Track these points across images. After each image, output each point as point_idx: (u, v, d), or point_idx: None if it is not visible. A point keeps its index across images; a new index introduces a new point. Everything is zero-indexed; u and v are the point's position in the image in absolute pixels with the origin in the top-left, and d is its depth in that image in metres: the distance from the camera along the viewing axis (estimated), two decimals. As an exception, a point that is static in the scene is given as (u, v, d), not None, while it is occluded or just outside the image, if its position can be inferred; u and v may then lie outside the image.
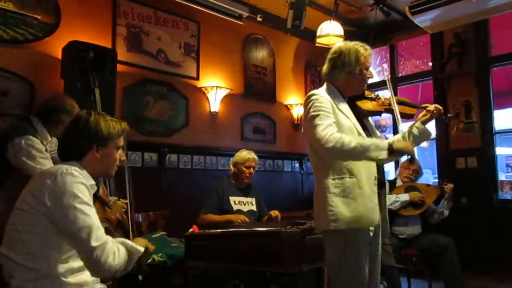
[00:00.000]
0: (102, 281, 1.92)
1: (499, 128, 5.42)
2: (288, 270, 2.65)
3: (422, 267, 4.18)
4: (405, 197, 4.14)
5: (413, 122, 2.51)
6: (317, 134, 2.16)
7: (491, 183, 5.24)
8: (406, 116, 2.56)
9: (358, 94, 2.48)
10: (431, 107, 2.47)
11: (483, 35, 5.41)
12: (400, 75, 6.44)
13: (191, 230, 3.26)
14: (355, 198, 2.19)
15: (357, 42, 2.39)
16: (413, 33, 5.87)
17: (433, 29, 5.35)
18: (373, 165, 2.28)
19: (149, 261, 3.08)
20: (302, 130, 2.47)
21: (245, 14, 5.04)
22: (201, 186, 4.72)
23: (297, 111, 6.13)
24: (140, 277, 1.94)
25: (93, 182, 1.83)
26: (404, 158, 4.52)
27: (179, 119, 4.94)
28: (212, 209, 3.73)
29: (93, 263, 1.66)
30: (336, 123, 2.22)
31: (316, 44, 5.23)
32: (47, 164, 2.71)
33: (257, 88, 5.82)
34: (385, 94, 2.60)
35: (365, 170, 2.24)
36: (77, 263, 1.74)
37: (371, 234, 2.31)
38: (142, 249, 1.83)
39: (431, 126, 2.53)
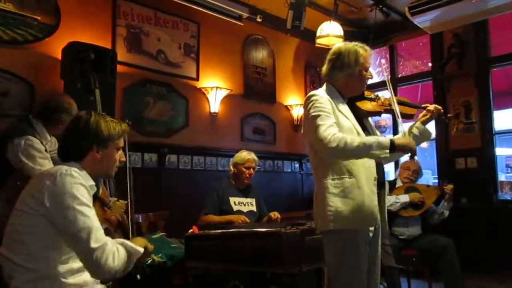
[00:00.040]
0: (102, 282, 1.91)
1: (498, 129, 5.43)
2: (288, 271, 2.65)
3: (422, 267, 4.18)
4: (405, 198, 4.14)
5: (413, 122, 2.51)
6: (320, 134, 2.15)
7: (491, 184, 5.24)
8: (406, 117, 2.56)
9: (358, 95, 2.48)
10: (431, 107, 2.47)
11: (483, 36, 5.41)
12: (399, 75, 6.44)
13: (191, 230, 3.26)
14: (354, 199, 2.19)
15: (356, 43, 2.39)
16: (413, 34, 5.87)
17: (433, 29, 5.35)
18: (372, 166, 2.28)
19: (149, 261, 3.08)
20: (302, 131, 2.46)
21: (245, 14, 5.04)
22: (201, 187, 4.72)
23: (297, 112, 6.13)
24: (138, 277, 1.94)
25: (92, 183, 1.83)
26: (404, 159, 4.52)
27: (179, 120, 4.95)
28: (212, 209, 3.73)
29: (93, 264, 1.65)
30: (336, 123, 2.22)
31: (316, 45, 5.23)
32: (47, 165, 2.71)
33: (257, 89, 5.82)
34: (385, 94, 2.60)
35: (365, 171, 2.24)
36: (77, 263, 1.74)
37: (371, 234, 2.32)
38: (141, 249, 1.83)
39: (431, 127, 2.53)
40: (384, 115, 2.70)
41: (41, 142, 2.80)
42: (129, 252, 1.77)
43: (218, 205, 3.77)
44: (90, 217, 1.67)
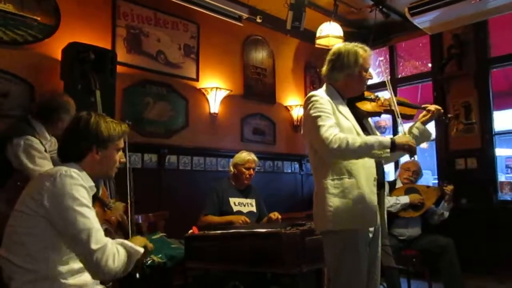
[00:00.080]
0: (101, 283, 1.92)
1: (498, 129, 5.43)
2: (288, 271, 2.65)
3: (422, 268, 4.18)
4: (405, 199, 4.14)
5: (413, 122, 2.51)
6: (321, 135, 2.15)
7: (491, 184, 5.24)
8: (406, 117, 2.56)
9: (357, 95, 2.48)
10: (431, 107, 2.48)
11: (483, 36, 5.41)
12: (399, 76, 6.45)
13: (191, 231, 3.26)
14: (354, 199, 2.19)
15: (356, 44, 2.39)
16: (413, 34, 5.87)
17: (433, 30, 5.36)
18: (372, 166, 2.28)
19: (149, 262, 3.09)
20: (301, 131, 2.46)
21: (245, 15, 5.04)
22: (201, 187, 4.72)
23: (297, 112, 6.13)
24: (137, 275, 1.94)
25: (92, 184, 1.83)
26: (404, 159, 4.52)
27: (178, 120, 4.95)
28: (212, 210, 3.73)
29: (93, 265, 1.65)
30: (336, 124, 2.23)
31: (316, 45, 5.24)
32: (46, 165, 2.71)
33: (256, 89, 5.83)
34: (385, 95, 2.61)
35: (365, 171, 2.24)
36: (77, 264, 1.73)
37: (371, 235, 2.32)
38: (141, 250, 1.83)
39: (431, 127, 2.53)
40: (384, 116, 2.71)
41: (41, 142, 2.80)
42: (129, 253, 1.77)
43: (218, 206, 3.76)
44: (90, 218, 1.67)
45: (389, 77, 2.63)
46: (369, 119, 2.57)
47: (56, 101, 2.97)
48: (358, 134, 2.27)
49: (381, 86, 5.76)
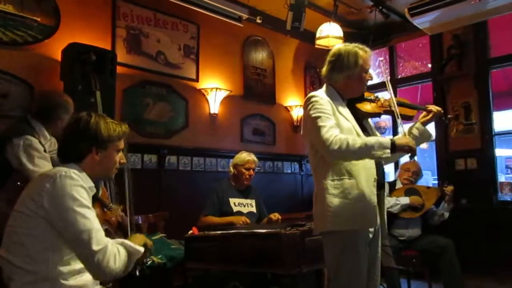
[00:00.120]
0: (101, 283, 1.91)
1: (498, 130, 5.43)
2: (288, 272, 2.65)
3: (422, 268, 4.18)
4: (405, 200, 4.15)
5: (414, 123, 2.51)
6: (322, 136, 2.15)
7: (491, 185, 5.24)
8: (405, 118, 2.56)
9: (357, 96, 2.48)
10: (431, 108, 2.48)
11: (482, 37, 5.42)
12: (399, 76, 6.45)
13: (191, 231, 3.26)
14: (354, 199, 2.19)
15: (356, 44, 2.39)
16: (412, 35, 5.87)
17: (432, 30, 5.36)
18: (372, 167, 2.28)
19: (149, 263, 3.08)
20: (301, 132, 2.46)
21: (245, 16, 5.04)
22: (200, 188, 4.72)
23: (297, 113, 6.13)
24: (137, 272, 1.94)
25: (92, 185, 1.82)
26: (404, 159, 4.53)
27: (178, 121, 4.95)
28: (212, 210, 3.73)
29: (94, 266, 1.65)
30: (336, 124, 2.23)
31: (316, 46, 5.24)
32: (45, 165, 2.71)
33: (256, 90, 5.83)
34: (385, 95, 2.61)
35: (365, 172, 2.24)
36: (77, 265, 1.73)
37: (371, 235, 2.32)
38: (141, 249, 1.83)
39: (431, 128, 2.54)
40: (384, 116, 2.70)
41: (40, 142, 2.80)
42: (129, 252, 1.77)
43: (218, 206, 3.76)
44: (90, 219, 1.67)
45: (389, 77, 2.63)
46: (369, 119, 2.57)
47: (54, 100, 2.97)
48: (358, 134, 2.27)
49: (381, 86, 5.77)
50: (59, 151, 1.89)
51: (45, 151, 2.81)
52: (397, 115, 2.42)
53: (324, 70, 2.43)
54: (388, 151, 2.12)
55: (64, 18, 4.02)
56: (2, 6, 3.65)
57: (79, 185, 1.69)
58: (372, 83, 5.61)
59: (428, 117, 2.47)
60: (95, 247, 1.62)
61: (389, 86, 2.54)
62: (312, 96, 2.31)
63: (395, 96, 2.64)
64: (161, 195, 4.61)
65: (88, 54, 3.59)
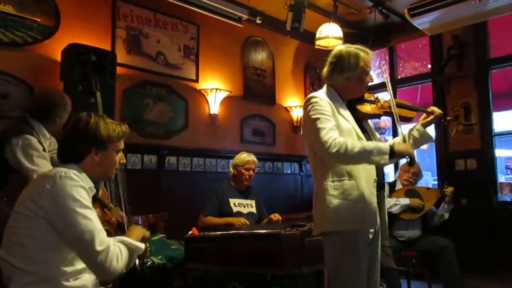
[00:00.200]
0: (101, 284, 1.91)
1: (498, 130, 5.43)
2: (288, 272, 2.65)
3: (422, 268, 4.19)
4: (405, 201, 4.15)
5: (414, 124, 2.52)
6: (321, 138, 2.16)
7: (491, 185, 5.24)
8: (405, 119, 2.57)
9: (358, 97, 2.48)
10: (431, 109, 2.48)
11: (482, 37, 5.42)
12: (399, 77, 6.45)
13: (190, 232, 3.26)
14: (354, 200, 2.19)
15: (358, 46, 2.39)
16: (412, 35, 5.87)
17: (432, 31, 5.36)
18: (372, 167, 2.29)
19: (149, 263, 3.08)
20: (301, 132, 2.46)
21: (245, 16, 5.05)
22: (200, 188, 4.72)
23: (297, 113, 6.13)
24: (137, 265, 1.94)
25: (92, 185, 1.82)
26: (404, 160, 4.52)
27: (178, 121, 4.95)
28: (212, 211, 3.73)
29: (97, 266, 1.65)
30: (336, 126, 2.23)
31: (316, 46, 5.24)
32: (44, 164, 2.71)
33: (256, 90, 5.83)
34: (385, 96, 2.61)
35: (365, 173, 2.24)
36: (76, 266, 1.73)
37: (371, 236, 2.32)
38: (142, 245, 1.84)
39: (431, 128, 2.54)
40: (383, 117, 2.70)
41: (40, 141, 2.80)
42: (131, 250, 1.77)
43: (217, 207, 3.77)
44: (92, 219, 1.66)
45: (389, 78, 2.63)
46: (369, 120, 2.57)
47: (53, 99, 2.97)
48: (358, 135, 2.28)
49: (381, 87, 5.78)
50: (59, 152, 1.89)
51: (44, 150, 2.81)
52: (397, 118, 2.43)
53: (324, 70, 2.43)
54: (387, 157, 2.14)
55: (64, 18, 4.02)
56: (2, 6, 3.65)
57: (79, 186, 1.68)
58: (372, 84, 5.63)
59: (428, 119, 2.48)
60: (98, 248, 1.62)
61: (389, 87, 2.54)
62: (312, 97, 2.31)
63: (395, 97, 2.64)
64: (161, 195, 4.61)
65: (88, 55, 3.60)
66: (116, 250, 1.69)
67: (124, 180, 3.11)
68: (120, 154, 1.94)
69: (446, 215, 4.28)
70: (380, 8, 5.37)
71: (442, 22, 5.10)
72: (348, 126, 2.28)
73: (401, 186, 4.39)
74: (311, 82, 6.57)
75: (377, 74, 6.48)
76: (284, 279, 3.14)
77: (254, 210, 3.93)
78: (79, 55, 3.60)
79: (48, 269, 1.65)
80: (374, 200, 2.25)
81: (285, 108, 6.19)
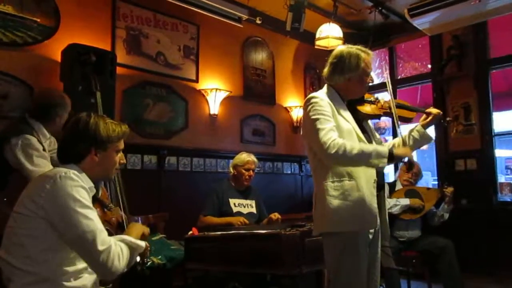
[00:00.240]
0: (101, 284, 1.91)
1: (498, 130, 5.43)
2: (288, 272, 2.65)
3: (422, 269, 4.19)
4: (405, 201, 4.15)
5: (414, 125, 2.52)
6: (320, 139, 2.16)
7: (491, 185, 5.24)
8: (405, 120, 2.57)
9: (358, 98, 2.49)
10: (431, 110, 2.49)
11: (482, 37, 5.42)
12: (399, 77, 6.44)
13: (190, 232, 3.26)
14: (354, 201, 2.19)
15: (359, 47, 2.39)
16: (412, 36, 5.88)
17: (432, 31, 5.36)
18: (372, 168, 2.28)
19: (149, 263, 3.08)
20: (301, 133, 2.46)
21: (244, 16, 5.05)
22: (200, 189, 4.72)
23: (297, 113, 6.13)
24: (138, 259, 1.94)
25: (92, 185, 1.82)
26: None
27: (178, 122, 4.95)
28: (212, 211, 3.73)
29: (99, 266, 1.66)
30: (335, 126, 2.23)
31: (315, 47, 5.24)
32: (44, 164, 2.71)
33: (256, 91, 5.83)
34: (385, 97, 2.61)
35: (365, 173, 2.24)
36: (78, 265, 1.73)
37: (371, 236, 2.32)
38: (143, 244, 1.84)
39: (431, 128, 2.54)
40: (383, 117, 2.71)
41: (40, 141, 2.80)
42: (131, 248, 1.78)
43: (217, 207, 3.77)
44: (93, 219, 1.66)
45: (389, 78, 2.63)
46: (369, 121, 2.57)
47: (52, 98, 2.97)
48: (358, 136, 2.28)
49: (380, 87, 5.78)
50: (59, 152, 1.88)
51: (44, 150, 2.81)
52: (396, 119, 2.43)
53: (325, 71, 2.43)
54: (385, 160, 2.14)
55: (64, 18, 4.02)
56: (1, 7, 3.65)
57: (79, 186, 1.68)
58: (372, 84, 5.63)
59: (428, 119, 2.48)
60: (100, 247, 1.63)
61: (390, 87, 2.54)
62: (312, 97, 2.31)
63: (395, 97, 2.64)
64: (161, 196, 4.61)
65: (88, 55, 3.60)
66: (118, 250, 1.69)
67: (117, 179, 3.11)
68: (120, 154, 1.94)
69: (446, 215, 4.28)
70: (380, 8, 5.37)
71: (442, 22, 5.10)
72: (348, 127, 2.28)
73: (401, 187, 4.39)
74: (311, 82, 6.57)
75: (377, 74, 6.48)
76: (284, 279, 3.14)
77: (254, 210, 3.93)
78: (79, 55, 3.60)
79: (48, 269, 1.65)
80: (374, 201, 2.25)
81: (285, 108, 6.19)
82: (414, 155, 2.31)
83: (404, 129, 2.55)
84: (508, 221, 4.97)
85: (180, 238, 3.38)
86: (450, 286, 3.97)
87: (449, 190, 4.19)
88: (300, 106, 5.96)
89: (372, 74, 2.48)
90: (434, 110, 2.49)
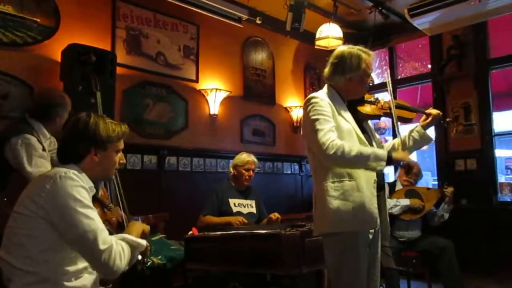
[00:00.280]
0: (102, 284, 1.91)
1: (498, 130, 5.43)
2: (288, 272, 2.65)
3: (422, 269, 4.19)
4: (405, 202, 4.15)
5: (414, 125, 2.52)
6: (318, 139, 2.16)
7: (491, 185, 5.25)
8: (405, 120, 2.57)
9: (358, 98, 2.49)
10: (431, 111, 2.49)
11: (482, 37, 5.42)
12: (399, 77, 6.45)
13: (190, 232, 3.26)
14: (354, 201, 2.19)
15: (360, 47, 2.39)
16: (412, 36, 5.88)
17: (432, 31, 5.36)
18: (372, 169, 2.29)
19: (149, 263, 3.08)
20: (301, 133, 2.46)
21: (244, 16, 5.05)
22: (200, 189, 4.72)
23: (297, 113, 6.13)
24: (139, 257, 1.93)
25: (92, 185, 1.82)
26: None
27: (178, 122, 4.95)
28: (211, 210, 3.74)
29: (101, 266, 1.66)
30: (335, 126, 2.23)
31: (315, 47, 5.24)
32: (43, 164, 2.71)
33: (256, 91, 5.83)
34: (385, 97, 2.61)
35: (365, 173, 2.24)
36: (79, 265, 1.73)
37: (371, 236, 2.32)
38: (144, 242, 1.85)
39: (431, 128, 2.55)
40: (383, 117, 2.71)
41: (40, 141, 2.80)
42: (132, 247, 1.78)
43: (217, 206, 3.77)
44: (94, 219, 1.66)
45: (390, 79, 2.63)
46: (369, 121, 2.57)
47: (52, 98, 2.97)
48: (358, 136, 2.28)
49: (380, 87, 5.78)
50: (58, 152, 1.88)
51: (44, 149, 2.81)
52: (396, 120, 2.43)
53: (326, 71, 2.42)
54: (384, 163, 2.15)
55: (64, 19, 4.02)
56: (1, 7, 3.65)
57: (79, 186, 1.68)
58: (372, 84, 5.63)
59: (428, 120, 2.48)
60: (101, 247, 1.63)
61: (390, 88, 2.55)
62: (313, 97, 2.31)
63: (395, 97, 2.64)
64: (161, 196, 4.61)
65: (88, 55, 3.60)
66: (119, 249, 1.69)
67: (115, 179, 3.11)
68: (120, 154, 1.94)
69: (446, 215, 4.28)
70: (380, 8, 5.37)
71: (442, 22, 5.10)
72: (348, 127, 2.28)
73: (401, 187, 4.39)
74: (311, 82, 6.57)
75: (377, 75, 6.48)
76: (284, 279, 3.14)
77: (254, 210, 3.93)
78: (79, 55, 3.60)
79: (48, 269, 1.65)
80: (374, 201, 2.25)
81: (285, 108, 6.19)
82: (414, 156, 2.31)
83: (404, 130, 2.55)
84: (508, 221, 4.97)
85: (180, 238, 3.38)
86: (450, 286, 3.97)
87: (449, 190, 4.19)
88: (300, 106, 5.96)
89: (372, 74, 2.48)
90: (434, 111, 2.49)
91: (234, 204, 3.84)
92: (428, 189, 4.43)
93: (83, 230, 1.62)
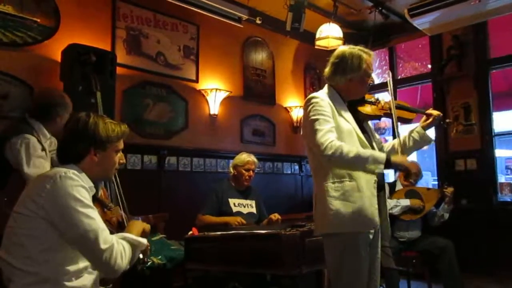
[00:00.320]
0: (102, 284, 1.91)
1: (498, 130, 5.43)
2: (288, 273, 2.65)
3: (422, 269, 4.19)
4: (405, 202, 4.15)
5: (415, 126, 2.53)
6: (317, 140, 2.16)
7: (491, 185, 5.25)
8: (405, 121, 2.57)
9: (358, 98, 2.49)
10: (431, 111, 2.49)
11: (482, 37, 5.42)
12: (399, 77, 6.44)
13: (190, 232, 3.26)
14: (355, 202, 2.19)
15: (361, 48, 2.39)
16: (412, 36, 5.88)
17: (432, 31, 5.36)
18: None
19: (149, 263, 3.08)
20: (301, 133, 2.46)
21: (244, 16, 5.05)
22: (200, 189, 4.72)
23: (297, 113, 6.13)
24: (141, 256, 1.93)
25: (91, 185, 1.82)
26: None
27: (178, 122, 4.94)
28: (211, 210, 3.74)
29: (102, 265, 1.66)
30: (335, 126, 2.23)
31: (316, 47, 5.24)
32: (43, 164, 2.71)
33: (256, 91, 5.83)
34: (385, 97, 2.61)
35: (365, 174, 2.24)
36: (79, 264, 1.73)
37: (371, 236, 2.32)
38: (145, 241, 1.84)
39: (431, 129, 2.55)
40: (383, 117, 2.71)
41: (40, 141, 2.80)
42: (133, 246, 1.78)
43: (216, 206, 3.77)
44: (95, 219, 1.66)
45: (390, 79, 2.63)
46: (369, 121, 2.57)
47: (52, 98, 2.97)
48: (358, 136, 2.28)
49: (380, 87, 5.78)
50: (58, 152, 1.88)
51: (44, 150, 2.80)
52: (396, 121, 2.43)
53: (326, 71, 2.42)
54: (382, 166, 2.15)
55: (64, 19, 4.02)
56: (1, 7, 3.65)
57: (79, 185, 1.68)
58: (372, 84, 5.62)
59: (428, 121, 2.48)
60: (102, 246, 1.63)
61: (391, 88, 2.54)
62: (313, 97, 2.31)
63: (395, 97, 2.64)
64: (161, 196, 4.61)
65: (88, 55, 3.60)
66: (120, 248, 1.69)
67: (115, 179, 3.11)
68: (120, 154, 1.94)
69: (446, 216, 4.28)
70: (380, 8, 5.37)
71: (442, 22, 5.10)
72: (348, 127, 2.28)
73: (401, 187, 4.39)
74: (311, 82, 6.57)
75: (377, 75, 6.48)
76: (284, 279, 3.14)
77: (254, 210, 3.93)
78: (79, 56, 3.60)
79: (48, 269, 1.65)
80: (374, 201, 2.25)
81: (285, 108, 6.19)
82: (414, 156, 2.31)
83: (404, 130, 2.55)
84: (508, 221, 4.97)
85: (180, 238, 3.38)
86: (450, 286, 3.97)
87: (449, 190, 4.19)
88: (300, 106, 5.97)
89: (373, 74, 2.49)
90: (434, 112, 2.49)
91: (234, 204, 3.84)
92: (428, 189, 4.43)
93: (84, 230, 1.62)
